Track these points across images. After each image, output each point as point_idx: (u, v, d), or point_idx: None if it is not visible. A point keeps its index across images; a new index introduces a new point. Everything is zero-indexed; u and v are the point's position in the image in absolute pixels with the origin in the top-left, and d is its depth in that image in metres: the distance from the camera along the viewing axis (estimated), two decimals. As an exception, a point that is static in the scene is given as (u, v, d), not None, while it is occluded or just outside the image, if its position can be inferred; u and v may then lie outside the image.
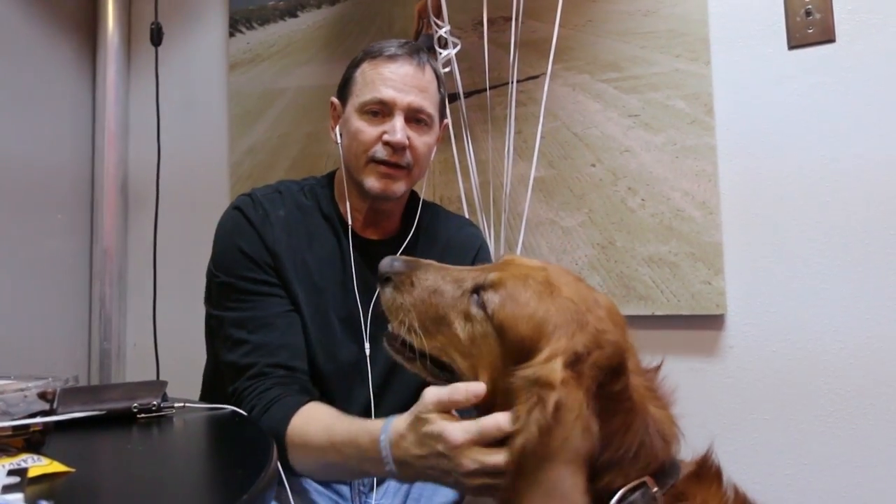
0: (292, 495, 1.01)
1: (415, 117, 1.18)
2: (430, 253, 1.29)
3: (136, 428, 0.98)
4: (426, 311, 0.82)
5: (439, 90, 1.23)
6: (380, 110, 1.16)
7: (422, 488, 1.19)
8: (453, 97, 1.73)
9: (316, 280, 1.17)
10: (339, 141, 1.23)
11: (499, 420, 0.72)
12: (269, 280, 1.13)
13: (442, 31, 1.62)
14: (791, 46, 1.54)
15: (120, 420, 0.99)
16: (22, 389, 0.75)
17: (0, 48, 2.14)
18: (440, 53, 1.62)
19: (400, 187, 1.19)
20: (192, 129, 2.35)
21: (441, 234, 1.32)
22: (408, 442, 0.79)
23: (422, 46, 1.23)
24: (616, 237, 1.67)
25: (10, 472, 0.64)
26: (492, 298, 0.78)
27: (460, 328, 0.80)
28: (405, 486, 1.19)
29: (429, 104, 1.18)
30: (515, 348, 0.76)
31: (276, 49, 2.21)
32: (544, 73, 1.69)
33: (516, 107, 1.74)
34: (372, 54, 1.19)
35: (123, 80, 2.39)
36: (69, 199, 2.33)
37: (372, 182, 1.17)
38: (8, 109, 2.15)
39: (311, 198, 1.24)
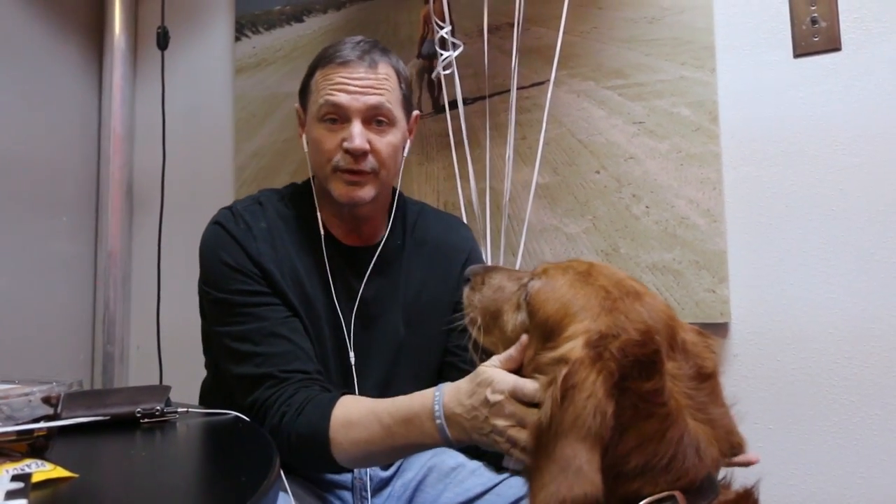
0: (294, 500, 1.00)
1: (374, 119, 1.15)
2: (419, 256, 1.26)
3: (139, 433, 0.97)
4: (488, 307, 0.89)
5: (400, 86, 1.19)
6: (337, 117, 1.14)
7: (424, 493, 1.17)
8: (455, 102, 1.73)
9: (307, 289, 1.15)
10: (306, 149, 1.22)
11: (529, 386, 0.77)
12: (263, 290, 1.12)
13: (442, 32, 1.60)
14: (797, 55, 1.54)
15: (123, 425, 0.99)
16: (26, 394, 0.75)
17: (7, 51, 2.15)
18: (441, 55, 1.61)
19: (368, 192, 1.16)
20: (197, 133, 2.35)
21: (430, 236, 1.28)
22: (461, 393, 0.84)
23: (376, 45, 1.19)
24: (620, 244, 1.67)
25: (14, 478, 0.64)
26: (533, 285, 0.83)
27: (509, 321, 0.85)
28: (407, 491, 1.18)
29: (387, 103, 1.15)
30: (541, 328, 0.79)
31: (282, 53, 2.22)
32: (549, 80, 1.69)
33: (522, 113, 1.75)
34: (324, 60, 1.17)
35: (129, 83, 2.40)
36: (74, 202, 2.33)
37: (339, 191, 1.15)
38: (14, 112, 2.16)
39: (292, 206, 1.22)
